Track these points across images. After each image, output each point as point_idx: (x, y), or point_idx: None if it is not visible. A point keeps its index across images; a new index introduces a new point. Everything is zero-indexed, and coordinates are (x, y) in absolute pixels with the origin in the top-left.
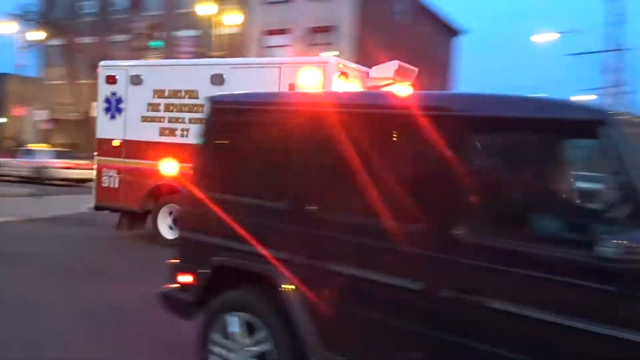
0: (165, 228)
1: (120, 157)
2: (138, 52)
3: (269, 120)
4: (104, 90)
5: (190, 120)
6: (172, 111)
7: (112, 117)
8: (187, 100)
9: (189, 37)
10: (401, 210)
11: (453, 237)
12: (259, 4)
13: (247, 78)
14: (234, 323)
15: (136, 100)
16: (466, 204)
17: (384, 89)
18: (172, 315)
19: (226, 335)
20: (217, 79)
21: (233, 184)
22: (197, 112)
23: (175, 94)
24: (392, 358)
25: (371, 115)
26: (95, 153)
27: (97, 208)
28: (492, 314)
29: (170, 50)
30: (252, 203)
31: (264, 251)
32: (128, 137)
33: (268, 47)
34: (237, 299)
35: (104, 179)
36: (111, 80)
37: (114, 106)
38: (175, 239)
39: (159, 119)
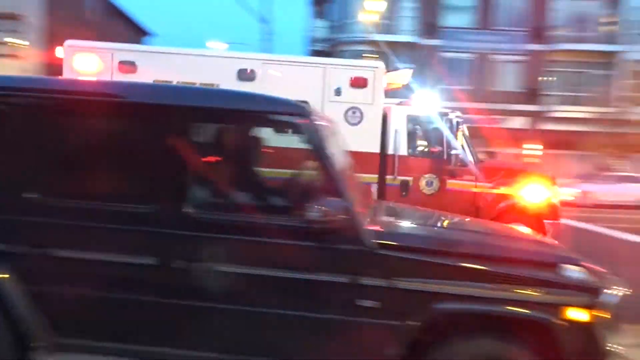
0: None
1: None
2: None
3: None
4: (75, 76)
5: None
6: None
7: None
8: None
9: None
10: (133, 193)
11: (183, 215)
12: None
13: (284, 76)
14: None
15: None
16: (192, 185)
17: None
18: None
19: None
20: (246, 75)
21: None
22: None
23: None
24: (131, 330)
25: (100, 103)
26: None
27: None
28: (220, 276)
29: None
30: None
31: None
32: None
33: None
34: None
35: None
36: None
37: None
38: None
39: None
